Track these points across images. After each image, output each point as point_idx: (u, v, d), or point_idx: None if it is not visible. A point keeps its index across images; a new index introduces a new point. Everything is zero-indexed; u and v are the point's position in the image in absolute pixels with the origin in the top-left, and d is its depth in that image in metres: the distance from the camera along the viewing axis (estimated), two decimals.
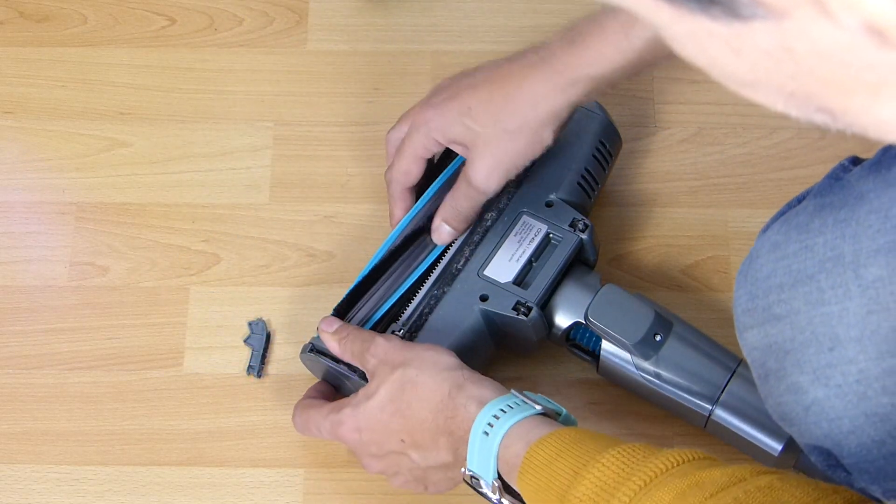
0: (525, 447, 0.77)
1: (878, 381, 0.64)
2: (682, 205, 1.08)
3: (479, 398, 0.82)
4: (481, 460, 0.79)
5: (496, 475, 0.79)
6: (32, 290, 1.05)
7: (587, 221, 0.99)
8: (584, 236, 0.99)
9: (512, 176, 0.95)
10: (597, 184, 1.04)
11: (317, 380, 1.01)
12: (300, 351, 0.99)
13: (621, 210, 1.07)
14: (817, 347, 0.66)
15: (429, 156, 0.98)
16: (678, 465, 0.67)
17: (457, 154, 1.04)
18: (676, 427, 0.99)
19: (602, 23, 0.86)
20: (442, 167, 1.05)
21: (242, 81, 1.13)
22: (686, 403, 0.95)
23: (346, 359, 0.92)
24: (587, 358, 0.99)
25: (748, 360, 0.74)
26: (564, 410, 0.83)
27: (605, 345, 0.97)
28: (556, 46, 0.90)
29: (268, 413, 1.01)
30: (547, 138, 0.92)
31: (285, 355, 1.02)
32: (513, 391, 0.84)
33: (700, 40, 0.39)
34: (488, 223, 1.00)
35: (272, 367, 1.02)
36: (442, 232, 0.98)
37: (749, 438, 0.93)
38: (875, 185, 0.66)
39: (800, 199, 0.74)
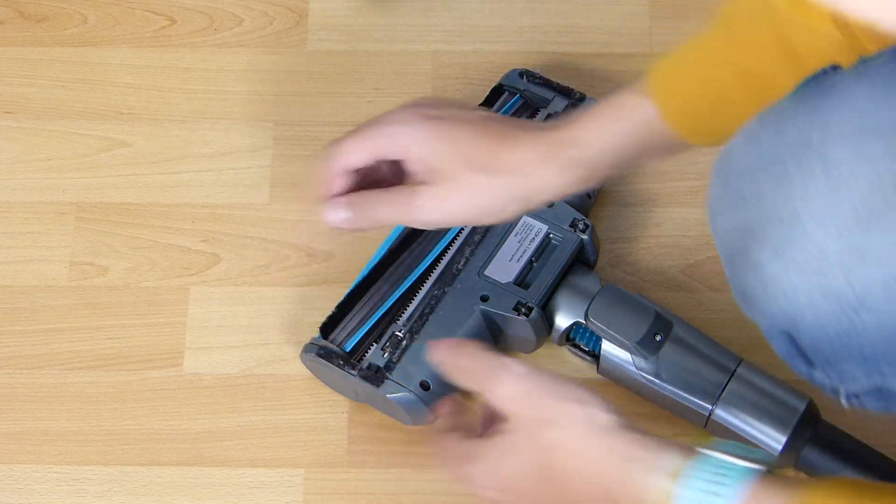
0: None
1: (835, 258, 0.66)
2: (682, 205, 1.08)
3: (664, 467, 0.68)
4: None
5: None
6: (32, 290, 1.05)
7: (587, 221, 0.99)
8: (584, 236, 0.99)
9: (445, 226, 0.85)
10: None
11: (322, 383, 1.01)
12: (300, 351, 0.99)
13: (621, 210, 1.07)
14: (778, 225, 0.67)
15: (379, 158, 0.82)
16: None
17: None
18: (676, 427, 0.99)
19: (595, 108, 0.80)
20: None
21: (242, 81, 1.13)
22: (686, 403, 0.95)
23: (461, 381, 0.78)
24: (587, 358, 0.99)
25: (718, 248, 0.73)
26: (761, 452, 0.73)
27: (605, 345, 0.97)
28: (552, 124, 0.81)
29: (268, 413, 1.01)
30: (509, 212, 0.80)
31: (285, 355, 1.02)
32: (696, 448, 0.70)
33: None
34: None
35: (272, 367, 1.02)
36: (338, 213, 0.83)
37: (749, 438, 0.93)
38: (849, 79, 0.68)
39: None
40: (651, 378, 0.95)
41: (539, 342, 0.98)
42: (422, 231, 1.02)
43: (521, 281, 0.98)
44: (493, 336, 0.97)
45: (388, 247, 1.02)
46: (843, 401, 0.75)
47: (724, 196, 0.72)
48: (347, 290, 1.00)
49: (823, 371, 0.72)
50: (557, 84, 1.07)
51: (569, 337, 0.99)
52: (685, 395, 0.95)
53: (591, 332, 0.98)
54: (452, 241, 1.01)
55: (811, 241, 0.66)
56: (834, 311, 0.67)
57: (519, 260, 0.99)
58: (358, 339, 0.98)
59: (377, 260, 1.01)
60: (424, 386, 0.95)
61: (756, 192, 0.69)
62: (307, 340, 0.99)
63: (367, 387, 0.95)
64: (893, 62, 0.68)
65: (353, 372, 0.96)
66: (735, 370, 0.94)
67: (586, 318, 0.96)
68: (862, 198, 0.65)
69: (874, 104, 0.66)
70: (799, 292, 0.68)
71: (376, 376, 0.95)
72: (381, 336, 0.98)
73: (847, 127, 0.66)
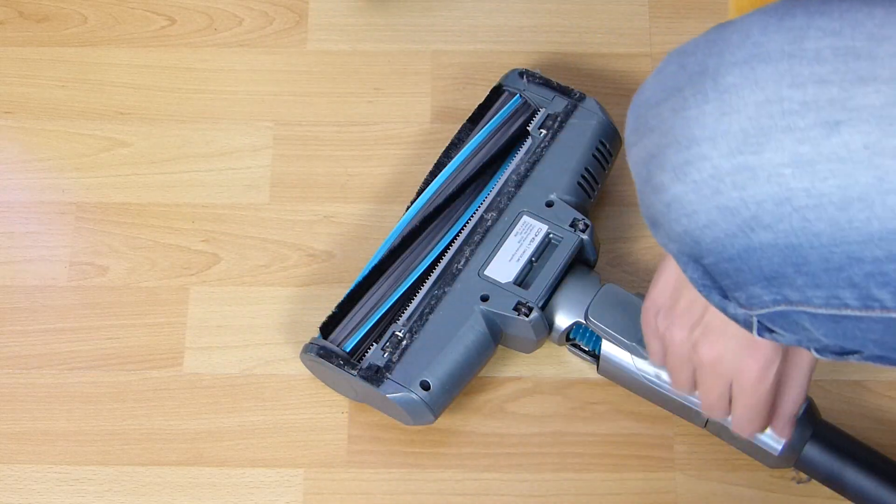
0: None
1: (728, 176, 0.70)
2: None
3: None
4: None
5: None
6: (32, 290, 1.05)
7: (587, 221, 1.00)
8: (584, 236, 0.99)
9: None
10: (597, 184, 1.04)
11: (327, 386, 1.01)
12: (300, 351, 0.99)
13: (621, 210, 1.07)
14: (676, 147, 0.72)
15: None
16: None
17: (458, 152, 1.05)
18: (676, 427, 0.99)
19: None
20: (442, 165, 1.05)
21: (242, 81, 1.13)
22: (686, 403, 0.95)
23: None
24: (587, 358, 1.00)
25: (634, 179, 0.78)
26: None
27: (605, 345, 0.97)
28: None
29: (268, 413, 1.01)
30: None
31: (285, 355, 1.02)
32: None
33: None
34: (489, 223, 1.00)
35: (272, 367, 1.02)
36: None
37: (749, 438, 0.93)
38: (751, 13, 0.73)
39: None
40: (651, 378, 0.95)
41: (539, 342, 0.98)
42: (422, 231, 1.02)
43: (521, 281, 0.98)
44: (493, 336, 0.97)
45: (387, 247, 1.02)
46: (755, 333, 0.78)
47: (636, 129, 0.76)
48: (347, 290, 1.00)
49: (735, 299, 0.75)
50: (557, 84, 1.07)
51: (569, 337, 0.99)
52: (685, 395, 0.94)
53: (591, 332, 0.98)
54: (452, 241, 1.01)
55: (707, 161, 0.70)
56: (731, 228, 0.71)
57: (519, 260, 0.99)
58: (358, 339, 0.98)
59: (377, 260, 1.01)
60: (424, 386, 0.95)
61: (659, 121, 0.73)
62: (307, 340, 0.99)
63: (367, 387, 0.95)
64: None
65: (353, 372, 0.96)
66: None
67: (586, 318, 0.96)
68: (751, 119, 0.69)
69: (765, 33, 0.71)
70: (699, 212, 0.71)
71: (376, 376, 0.95)
72: (381, 336, 0.98)
73: (739, 54, 0.71)
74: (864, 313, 0.72)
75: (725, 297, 0.76)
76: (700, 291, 0.77)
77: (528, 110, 1.07)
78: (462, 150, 1.05)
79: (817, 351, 0.79)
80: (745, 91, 0.70)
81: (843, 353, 0.78)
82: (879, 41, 0.68)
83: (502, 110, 1.07)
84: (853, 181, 0.67)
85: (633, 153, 0.76)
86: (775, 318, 0.75)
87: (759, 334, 0.78)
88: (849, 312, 0.72)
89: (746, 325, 0.78)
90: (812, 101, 0.68)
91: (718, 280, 0.75)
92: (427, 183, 1.04)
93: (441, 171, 1.04)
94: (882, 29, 0.69)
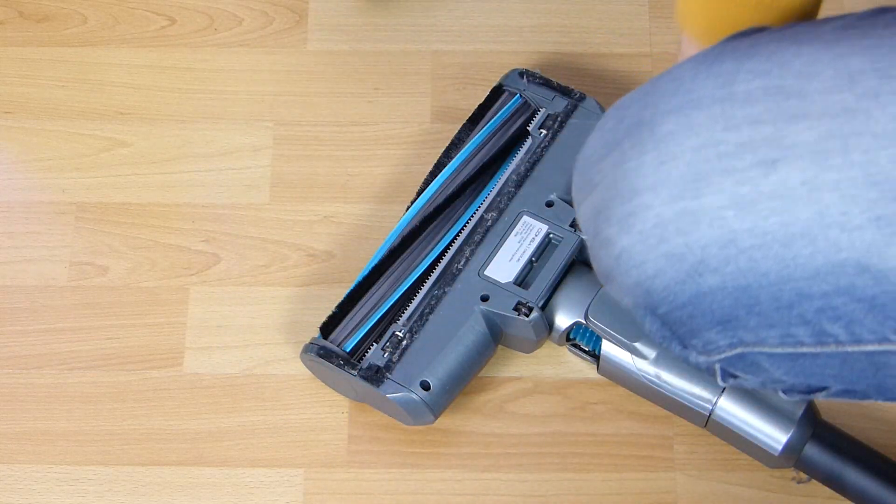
0: None
1: (672, 223, 0.71)
2: None
3: None
4: None
5: None
6: (32, 290, 1.05)
7: None
8: (584, 236, 0.99)
9: None
10: None
11: (331, 389, 1.01)
12: (300, 351, 0.99)
13: None
14: (620, 200, 0.73)
15: None
16: None
17: (458, 152, 1.05)
18: (676, 427, 0.99)
19: None
20: (442, 166, 1.05)
21: (242, 81, 1.13)
22: (686, 403, 0.95)
23: None
24: (587, 358, 1.00)
25: (585, 238, 0.79)
26: None
27: (605, 345, 0.97)
28: None
29: (268, 413, 1.01)
30: None
31: (285, 355, 1.02)
32: None
33: None
34: (489, 223, 1.00)
35: (272, 367, 1.02)
36: None
37: (749, 438, 0.93)
38: (683, 62, 0.75)
39: None
40: (651, 378, 0.95)
41: (539, 342, 0.98)
42: (422, 231, 1.02)
43: (521, 281, 0.98)
44: (493, 336, 0.97)
45: (388, 247, 1.02)
46: (720, 379, 0.79)
47: (581, 187, 0.77)
48: (347, 290, 1.00)
49: (693, 347, 0.76)
50: (557, 84, 1.07)
51: (569, 337, 0.99)
52: (685, 394, 0.95)
53: (591, 332, 0.98)
54: (452, 241, 1.01)
55: (650, 210, 0.71)
56: (680, 275, 0.72)
57: (519, 260, 0.99)
58: (358, 339, 0.98)
59: (377, 260, 1.01)
60: (424, 386, 0.95)
61: (602, 176, 0.74)
62: (307, 340, 0.99)
63: (367, 387, 0.95)
64: (721, 41, 0.75)
65: (353, 372, 0.96)
66: None
67: (586, 318, 0.96)
68: (689, 165, 0.70)
69: (696, 80, 0.72)
70: (647, 262, 0.72)
71: (376, 376, 0.95)
72: (381, 336, 0.98)
73: (673, 102, 0.72)
74: (819, 349, 0.72)
75: (685, 346, 0.76)
76: (660, 343, 0.77)
77: (528, 110, 1.07)
78: (462, 150, 1.05)
79: (784, 392, 0.79)
80: (682, 137, 0.70)
81: (809, 391, 0.78)
82: (808, 78, 0.69)
83: (502, 110, 1.07)
84: (794, 217, 0.68)
85: (581, 211, 0.77)
86: (734, 362, 0.76)
87: (723, 380, 0.78)
88: (804, 350, 0.73)
89: (710, 371, 0.78)
90: (748, 142, 0.69)
91: (675, 329, 0.75)
92: (427, 183, 1.04)
93: (441, 171, 1.04)
94: (810, 67, 0.69)
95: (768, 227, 0.68)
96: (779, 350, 0.73)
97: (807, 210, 0.68)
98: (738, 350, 0.74)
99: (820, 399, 0.78)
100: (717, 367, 0.77)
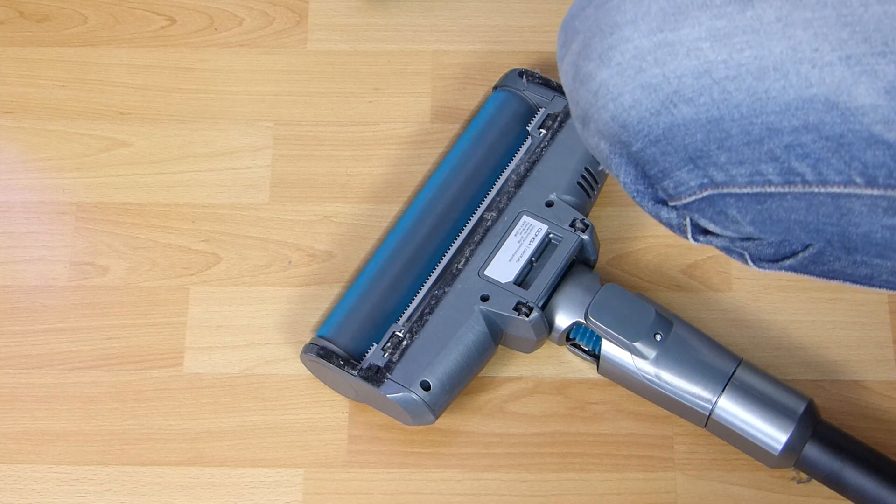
0: None
1: (650, 54, 0.73)
2: None
3: None
4: None
5: None
6: (32, 290, 1.05)
7: (587, 221, 1.00)
8: (584, 236, 0.99)
9: None
10: (597, 183, 1.04)
11: (334, 392, 1.01)
12: (300, 351, 0.99)
13: (621, 210, 1.07)
14: (601, 36, 0.75)
15: None
16: None
17: (457, 152, 1.05)
18: (676, 427, 0.99)
19: None
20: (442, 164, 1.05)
21: (242, 81, 1.13)
22: (686, 403, 0.95)
23: None
24: (587, 358, 1.00)
25: (564, 88, 0.80)
26: None
27: (605, 345, 0.97)
28: None
29: (268, 413, 1.01)
30: None
31: (285, 355, 1.02)
32: None
33: None
34: (488, 223, 1.00)
35: (272, 367, 1.02)
36: None
37: (749, 438, 0.93)
38: None
39: None
40: (651, 378, 0.95)
41: (539, 342, 0.98)
42: (422, 231, 1.02)
43: (521, 281, 0.98)
44: (493, 336, 0.97)
45: (388, 246, 1.02)
46: (690, 236, 0.80)
47: (564, 41, 0.79)
48: (347, 291, 1.00)
49: (664, 191, 0.77)
50: (557, 84, 1.07)
51: (569, 337, 0.99)
52: (685, 394, 0.95)
53: (591, 332, 0.98)
54: (452, 241, 1.01)
55: (629, 43, 0.73)
56: (655, 106, 0.73)
57: (519, 260, 0.99)
58: (358, 339, 0.98)
59: (377, 260, 1.01)
60: (425, 386, 0.95)
61: (584, 22, 0.77)
62: (307, 340, 0.99)
63: (368, 387, 0.95)
64: None
65: (353, 372, 0.96)
66: (735, 370, 0.94)
67: (586, 318, 0.96)
68: (668, 0, 0.72)
69: None
70: (624, 94, 0.74)
71: (376, 376, 0.95)
72: (381, 336, 0.98)
73: None
74: (786, 189, 0.74)
75: (656, 194, 0.77)
76: (633, 198, 0.78)
77: (527, 110, 1.07)
78: (457, 149, 1.05)
79: (753, 260, 0.80)
80: None
81: (777, 258, 0.79)
82: None
83: (502, 110, 1.07)
84: (767, 51, 0.70)
85: (564, 63, 0.78)
86: (704, 208, 0.76)
87: (694, 238, 0.79)
88: (772, 189, 0.74)
89: (680, 229, 0.79)
90: None
91: (647, 170, 0.76)
92: (422, 184, 1.04)
93: (441, 169, 1.04)
94: None
95: (742, 59, 0.70)
96: (747, 190, 0.75)
97: (780, 45, 0.70)
98: (708, 191, 0.76)
99: (789, 273, 0.80)
100: (688, 220, 0.78)
